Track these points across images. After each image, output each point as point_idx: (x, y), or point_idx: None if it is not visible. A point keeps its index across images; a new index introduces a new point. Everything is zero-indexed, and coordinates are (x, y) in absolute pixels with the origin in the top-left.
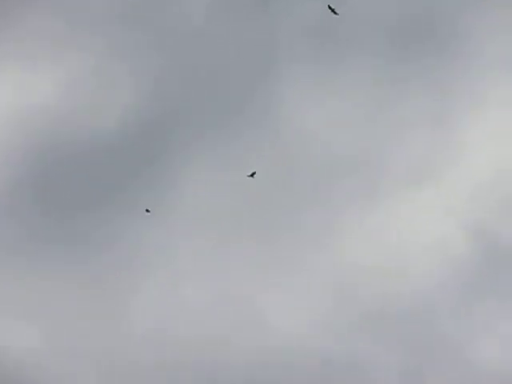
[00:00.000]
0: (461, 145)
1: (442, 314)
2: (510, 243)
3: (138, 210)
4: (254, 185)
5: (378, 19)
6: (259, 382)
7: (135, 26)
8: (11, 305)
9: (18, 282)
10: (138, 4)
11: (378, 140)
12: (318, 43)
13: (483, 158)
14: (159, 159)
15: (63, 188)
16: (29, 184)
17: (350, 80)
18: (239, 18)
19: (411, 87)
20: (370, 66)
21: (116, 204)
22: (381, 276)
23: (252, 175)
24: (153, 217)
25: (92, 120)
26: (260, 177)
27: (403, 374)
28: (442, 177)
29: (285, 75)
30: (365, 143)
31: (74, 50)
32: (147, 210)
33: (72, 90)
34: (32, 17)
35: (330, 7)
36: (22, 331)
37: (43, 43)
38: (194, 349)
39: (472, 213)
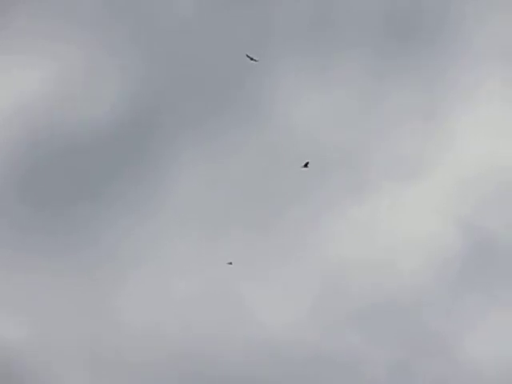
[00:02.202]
0: (450, 139)
1: (430, 309)
2: (499, 238)
3: (128, 202)
4: (241, 179)
5: (368, 12)
6: (247, 376)
7: (125, 18)
8: None
9: (5, 274)
10: None
11: (366, 134)
12: (308, 36)
13: (472, 153)
14: (149, 152)
15: (52, 181)
16: (16, 177)
17: (338, 73)
18: (229, 10)
19: (399, 81)
20: (360, 58)
21: (105, 197)
22: (369, 271)
23: (306, 165)
24: (142, 210)
25: (81, 113)
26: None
27: (391, 369)
28: (430, 171)
29: (274, 68)
30: (353, 137)
31: (64, 43)
32: (230, 263)
33: (61, 84)
34: (21, 11)
35: (248, 56)
36: (10, 323)
37: (32, 37)
38: (181, 343)
39: (461, 207)
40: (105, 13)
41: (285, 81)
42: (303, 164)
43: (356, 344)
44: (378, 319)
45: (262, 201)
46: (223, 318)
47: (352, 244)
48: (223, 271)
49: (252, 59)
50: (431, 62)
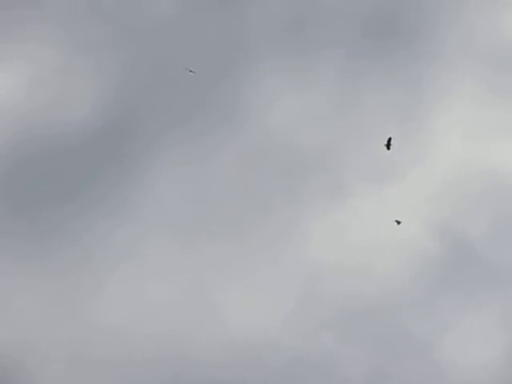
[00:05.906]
0: (427, 140)
1: (407, 312)
2: (475, 241)
3: (106, 205)
4: (219, 182)
5: (344, 13)
6: (224, 380)
7: (101, 20)
8: None
9: None
10: None
11: (343, 135)
12: (284, 38)
13: (450, 155)
14: (127, 155)
15: (30, 184)
16: None
17: (315, 74)
18: (207, 12)
19: (375, 82)
20: (336, 59)
21: (84, 200)
22: (346, 273)
23: (388, 144)
24: (120, 213)
25: (59, 115)
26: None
27: (369, 372)
28: (407, 173)
29: (251, 70)
30: (330, 138)
31: (39, 45)
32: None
33: (37, 87)
34: None
35: (186, 68)
36: None
37: (7, 40)
38: (157, 345)
39: (437, 210)
40: (81, 14)
41: (261, 82)
42: (385, 142)
43: (334, 347)
44: (356, 322)
45: (240, 204)
46: (201, 321)
47: (329, 247)
48: (201, 275)
49: (190, 71)
50: (407, 63)
